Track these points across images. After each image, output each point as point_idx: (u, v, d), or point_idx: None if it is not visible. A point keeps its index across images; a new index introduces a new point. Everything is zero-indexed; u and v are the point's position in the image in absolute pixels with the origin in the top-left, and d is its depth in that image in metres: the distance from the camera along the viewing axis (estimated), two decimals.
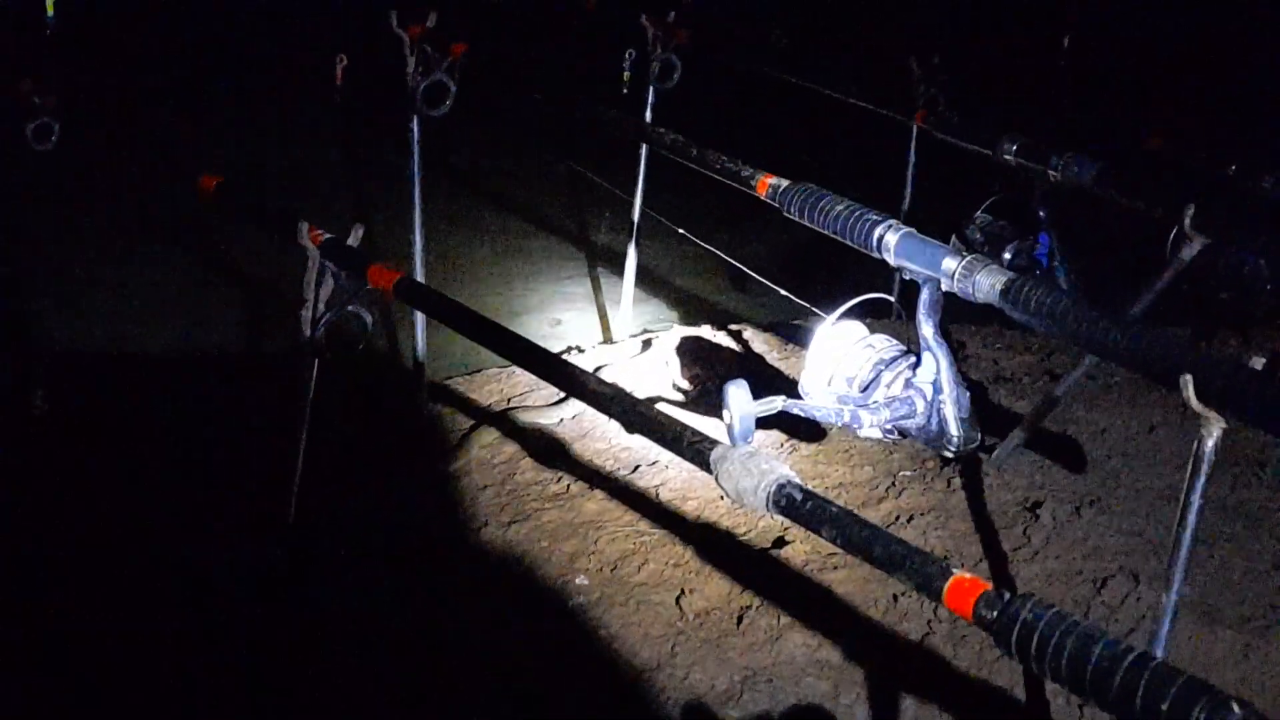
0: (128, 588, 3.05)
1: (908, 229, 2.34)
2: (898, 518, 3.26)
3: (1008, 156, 3.36)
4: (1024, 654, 1.41)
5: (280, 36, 8.02)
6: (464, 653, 2.81)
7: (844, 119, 4.77)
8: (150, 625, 2.92)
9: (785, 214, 2.53)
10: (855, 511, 3.26)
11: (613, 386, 1.84)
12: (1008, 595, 1.45)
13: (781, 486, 1.63)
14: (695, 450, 1.73)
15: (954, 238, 3.85)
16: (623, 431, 3.56)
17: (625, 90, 4.91)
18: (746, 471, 1.66)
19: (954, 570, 1.49)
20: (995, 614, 1.44)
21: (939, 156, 4.25)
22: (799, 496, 1.61)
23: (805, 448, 3.63)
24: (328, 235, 2.27)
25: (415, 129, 3.60)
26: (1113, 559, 3.06)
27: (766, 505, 1.64)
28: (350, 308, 2.32)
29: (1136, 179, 3.23)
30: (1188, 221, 2.99)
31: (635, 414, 1.80)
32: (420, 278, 3.64)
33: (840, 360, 2.39)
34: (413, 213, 3.67)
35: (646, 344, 4.60)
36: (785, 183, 2.52)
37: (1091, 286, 3.77)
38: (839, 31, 8.21)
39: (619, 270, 4.92)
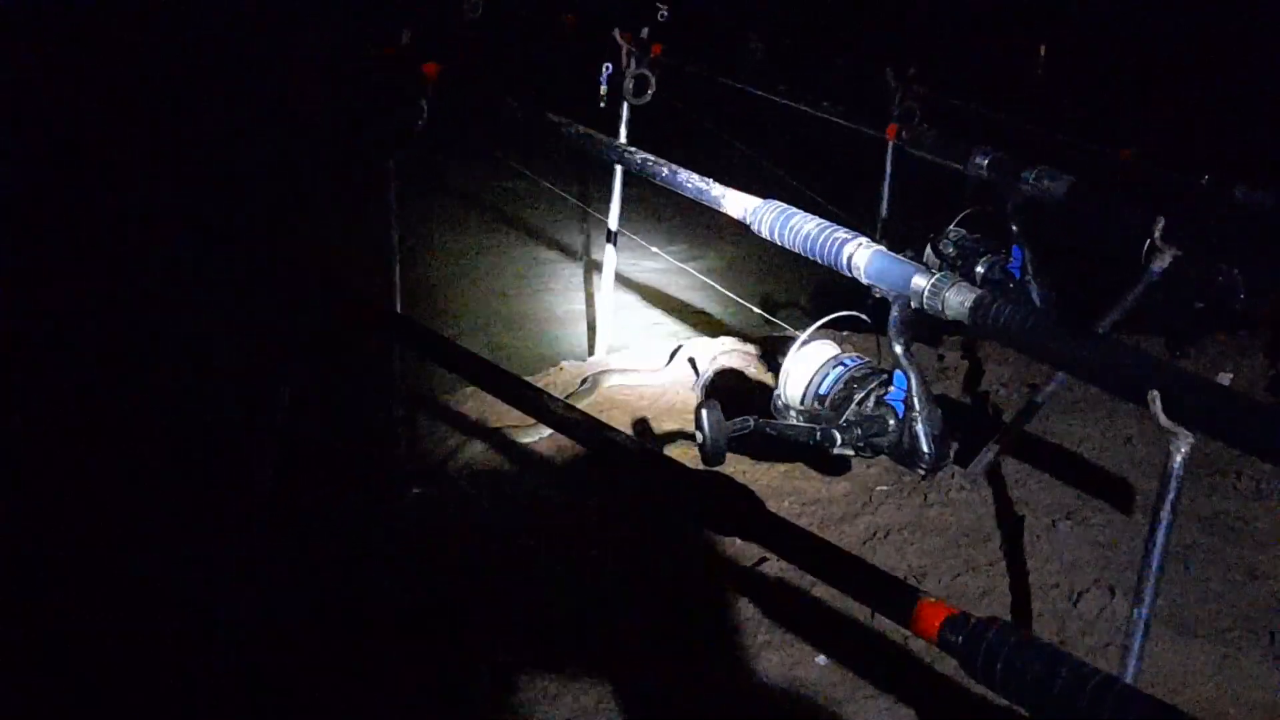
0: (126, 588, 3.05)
1: (878, 247, 2.34)
2: (874, 533, 3.26)
3: (979, 170, 3.37)
4: (989, 678, 1.41)
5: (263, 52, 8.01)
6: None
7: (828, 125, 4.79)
8: (150, 625, 2.93)
9: (755, 233, 2.53)
10: (832, 527, 3.29)
11: (580, 413, 1.84)
12: (973, 619, 1.45)
13: None
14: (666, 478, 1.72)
15: (928, 250, 3.86)
16: None
17: (603, 104, 4.92)
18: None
19: (920, 594, 1.49)
20: (960, 638, 1.44)
21: (919, 166, 4.27)
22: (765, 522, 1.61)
23: (781, 463, 3.63)
24: None
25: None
26: (1088, 572, 3.07)
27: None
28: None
29: (1108, 192, 3.25)
30: (1158, 234, 3.01)
31: (602, 440, 1.79)
32: (398, 299, 3.64)
33: (812, 379, 2.41)
34: (390, 236, 3.65)
35: (630, 356, 4.61)
36: (755, 202, 2.52)
37: (1066, 298, 3.78)
38: (823, 35, 8.23)
39: (597, 283, 4.92)
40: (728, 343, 4.65)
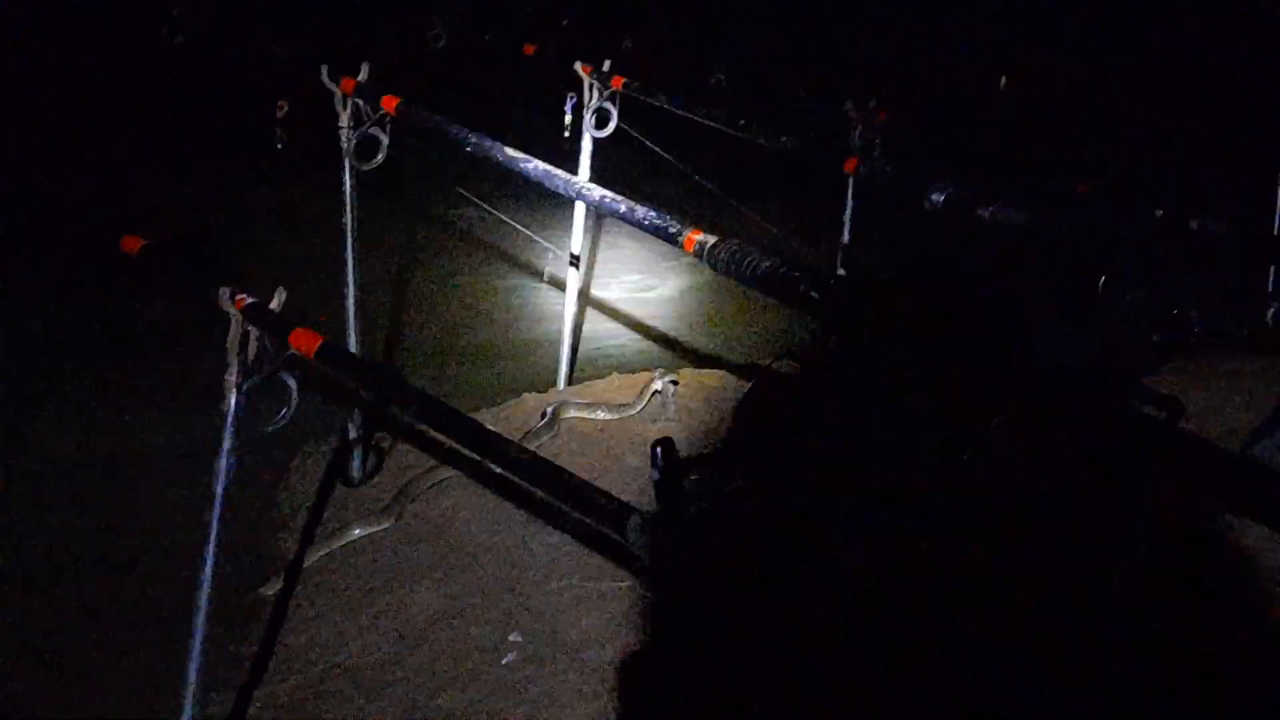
0: None
1: (833, 284, 2.36)
2: None
3: (935, 205, 3.39)
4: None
5: (221, 81, 8.01)
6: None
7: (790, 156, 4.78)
8: None
9: (713, 270, 2.54)
10: None
11: (529, 452, 1.83)
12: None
13: None
14: (612, 516, 1.72)
15: None
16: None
17: (567, 134, 4.93)
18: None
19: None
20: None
21: (882, 194, 4.27)
22: None
23: None
24: (251, 300, 2.25)
25: (348, 182, 3.57)
26: None
27: None
28: (279, 374, 2.29)
29: (1064, 226, 3.27)
30: (1112, 270, 3.03)
31: (551, 479, 1.79)
32: (353, 334, 3.63)
33: None
34: (345, 269, 3.64)
35: (594, 389, 4.62)
36: (712, 239, 2.52)
37: None
38: (788, 67, 8.28)
39: (556, 315, 4.92)
40: (687, 375, 4.65)
